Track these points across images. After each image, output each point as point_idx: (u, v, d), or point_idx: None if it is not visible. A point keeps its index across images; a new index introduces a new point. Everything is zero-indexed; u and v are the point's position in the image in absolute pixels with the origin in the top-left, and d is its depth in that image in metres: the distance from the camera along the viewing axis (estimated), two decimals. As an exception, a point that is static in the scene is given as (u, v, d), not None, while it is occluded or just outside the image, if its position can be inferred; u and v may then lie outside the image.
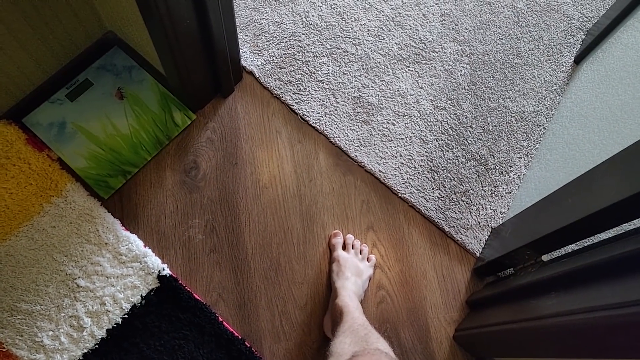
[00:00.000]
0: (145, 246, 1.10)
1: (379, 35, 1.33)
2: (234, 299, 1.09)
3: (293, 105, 1.24)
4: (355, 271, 1.07)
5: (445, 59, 1.32)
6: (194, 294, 1.07)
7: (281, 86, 1.25)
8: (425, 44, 1.33)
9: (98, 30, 1.20)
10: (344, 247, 1.13)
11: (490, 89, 1.30)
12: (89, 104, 1.19)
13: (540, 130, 1.27)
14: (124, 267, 1.08)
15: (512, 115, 1.28)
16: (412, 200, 1.18)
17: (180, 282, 1.08)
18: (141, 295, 1.06)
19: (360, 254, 1.12)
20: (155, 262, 1.08)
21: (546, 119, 1.28)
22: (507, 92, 1.30)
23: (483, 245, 1.16)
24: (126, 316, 1.04)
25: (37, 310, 1.03)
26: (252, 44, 1.29)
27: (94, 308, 1.04)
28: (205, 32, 1.00)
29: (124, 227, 1.11)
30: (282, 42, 1.30)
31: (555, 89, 1.31)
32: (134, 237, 1.10)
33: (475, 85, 1.30)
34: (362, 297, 1.08)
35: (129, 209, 1.14)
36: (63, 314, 1.03)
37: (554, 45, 1.37)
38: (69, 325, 1.03)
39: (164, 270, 1.08)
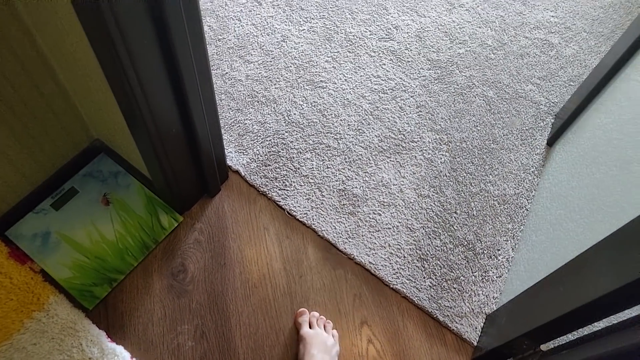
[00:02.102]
0: (132, 358, 1.08)
1: (359, 129, 1.43)
2: (227, 410, 1.06)
3: (280, 201, 1.29)
4: (323, 348, 1.10)
5: (425, 148, 1.41)
6: (185, 408, 1.05)
7: (267, 183, 1.31)
8: (404, 134, 1.43)
9: (85, 140, 1.26)
10: (310, 326, 1.17)
11: (470, 174, 1.38)
12: (74, 212, 1.23)
13: (523, 212, 1.34)
14: (109, 383, 1.05)
15: (494, 198, 1.35)
16: (405, 290, 1.20)
17: (169, 395, 1.05)
18: (128, 413, 1.03)
19: (325, 329, 1.16)
20: (142, 375, 1.06)
21: (527, 200, 1.35)
22: (487, 176, 1.38)
23: (479, 334, 1.17)
24: None
25: None
26: (237, 144, 1.37)
27: None
28: (191, 137, 1.09)
29: (109, 339, 1.10)
30: (266, 141, 1.38)
31: (532, 171, 1.40)
32: (120, 349, 1.09)
33: (456, 171, 1.38)
34: None
35: (114, 318, 1.13)
36: None
37: (526, 130, 1.48)
38: None
39: (152, 383, 1.06)
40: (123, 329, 1.13)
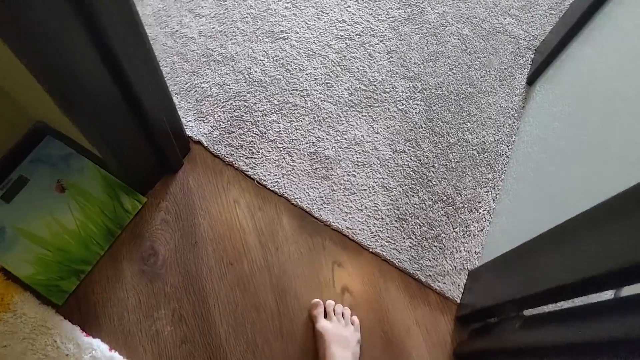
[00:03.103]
0: (111, 349, 1.09)
1: (326, 83, 1.36)
2: (214, 390, 1.08)
3: (248, 171, 1.26)
4: (343, 343, 1.10)
5: (398, 98, 1.36)
6: (170, 393, 1.06)
7: (232, 152, 1.26)
8: (375, 85, 1.37)
9: (25, 122, 1.19)
10: (326, 315, 1.15)
11: (447, 123, 1.34)
12: (28, 203, 1.18)
13: (504, 159, 1.32)
14: (90, 377, 1.06)
15: (473, 147, 1.32)
16: (384, 253, 1.21)
17: (153, 382, 1.07)
18: (114, 405, 1.04)
19: (343, 318, 1.15)
20: (123, 366, 1.07)
21: (507, 147, 1.34)
22: (465, 124, 1.35)
23: (462, 291, 1.19)
24: None
25: None
26: (195, 111, 1.30)
27: None
28: (135, 109, 1.01)
29: (85, 333, 1.10)
30: (227, 105, 1.31)
31: (512, 114, 1.37)
32: (97, 342, 1.09)
33: (432, 121, 1.34)
34: None
35: (87, 311, 1.13)
36: None
37: (505, 69, 1.43)
38: None
39: (134, 373, 1.06)
40: (98, 321, 1.13)
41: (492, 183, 1.31)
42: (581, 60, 1.26)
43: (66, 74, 0.79)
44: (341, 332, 1.12)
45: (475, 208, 1.29)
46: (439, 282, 1.21)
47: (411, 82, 1.41)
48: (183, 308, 1.16)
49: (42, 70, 0.78)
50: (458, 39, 1.48)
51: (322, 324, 1.14)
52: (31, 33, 0.69)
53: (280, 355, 1.14)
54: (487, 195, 1.30)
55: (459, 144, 1.35)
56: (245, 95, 1.35)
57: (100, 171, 1.24)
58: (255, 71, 1.38)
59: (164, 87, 1.06)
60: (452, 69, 1.44)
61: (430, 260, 1.23)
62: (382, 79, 1.41)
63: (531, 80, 1.43)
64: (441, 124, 1.37)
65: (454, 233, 1.26)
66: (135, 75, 0.93)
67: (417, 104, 1.38)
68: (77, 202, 1.21)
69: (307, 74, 1.39)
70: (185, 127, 1.30)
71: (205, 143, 1.29)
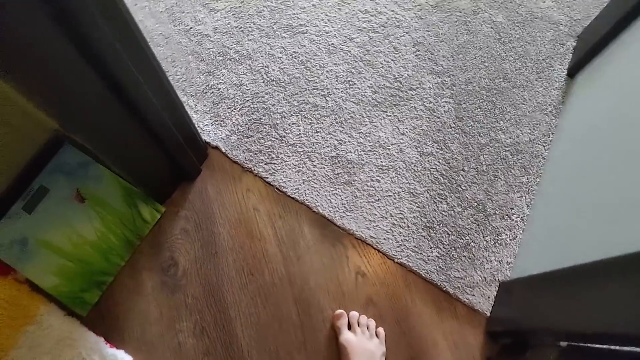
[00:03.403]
0: (133, 362, 1.10)
1: (348, 80, 1.30)
2: (236, 404, 1.09)
3: (267, 177, 1.22)
4: (367, 357, 1.08)
5: (425, 96, 1.29)
6: (193, 406, 1.07)
7: (251, 157, 1.23)
8: (401, 82, 1.30)
9: (42, 132, 1.18)
10: (350, 327, 1.13)
11: (478, 122, 1.27)
12: (48, 213, 1.18)
13: (539, 161, 1.24)
14: (115, 390, 1.08)
15: (506, 149, 1.25)
16: (410, 264, 1.17)
17: (176, 395, 1.08)
18: (138, 418, 1.06)
19: (368, 330, 1.13)
20: (146, 379, 1.08)
21: (544, 147, 1.25)
22: (497, 122, 1.27)
23: (492, 303, 1.15)
24: None
25: None
26: (212, 114, 1.26)
27: None
28: (136, 117, 0.94)
29: (109, 344, 1.11)
30: (245, 107, 1.27)
31: (550, 111, 1.28)
32: (121, 354, 1.11)
33: (462, 120, 1.27)
34: None
35: (111, 322, 1.14)
36: None
37: (543, 60, 1.33)
38: None
39: (157, 386, 1.08)
40: (121, 333, 1.14)
41: (526, 187, 1.24)
42: (634, 50, 1.15)
43: (50, 83, 0.74)
44: (366, 345, 1.10)
45: (507, 215, 1.22)
46: (467, 294, 1.17)
47: (439, 77, 1.33)
48: (204, 320, 1.16)
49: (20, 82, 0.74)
50: (491, 28, 1.38)
51: (346, 336, 1.12)
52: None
53: (302, 369, 1.13)
54: (520, 200, 1.23)
55: (491, 145, 1.28)
56: (263, 96, 1.30)
57: (118, 180, 1.23)
58: (274, 69, 1.33)
59: (167, 92, 1.00)
60: (484, 62, 1.35)
61: (458, 271, 1.18)
62: (408, 74, 1.33)
63: (572, 72, 1.32)
64: (472, 123, 1.29)
65: (484, 242, 1.20)
66: (128, 78, 0.84)
67: (445, 102, 1.31)
68: (96, 213, 1.20)
69: (327, 71, 1.33)
70: (202, 132, 1.27)
71: (223, 148, 1.26)
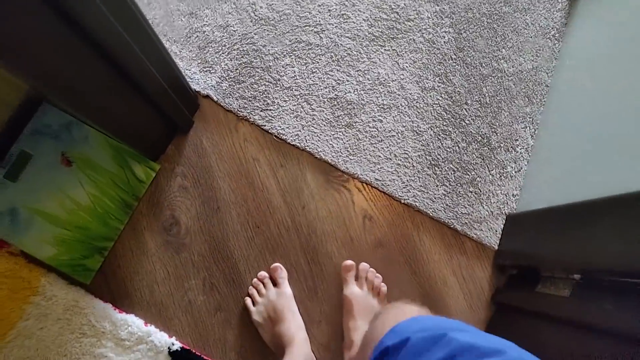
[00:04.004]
0: (146, 324, 1.06)
1: (342, 14, 1.18)
2: (253, 354, 1.07)
3: (264, 125, 1.13)
4: (367, 313, 1.04)
5: (424, 27, 1.18)
6: (212, 361, 1.05)
7: (246, 105, 1.13)
8: (397, 12, 1.18)
9: (16, 91, 1.04)
10: (357, 279, 1.09)
11: (480, 52, 1.18)
12: (35, 180, 1.08)
13: (543, 89, 1.17)
14: (130, 353, 1.04)
15: (509, 78, 1.17)
16: (417, 204, 1.12)
17: (194, 351, 1.05)
18: (157, 378, 1.04)
19: (373, 286, 1.08)
20: (162, 339, 1.05)
21: (547, 74, 1.18)
22: (499, 51, 1.18)
23: (500, 236, 1.12)
24: (148, 403, 1.03)
25: (55, 419, 1.01)
26: (199, 61, 1.14)
27: (113, 403, 1.02)
28: (120, 72, 0.82)
29: (117, 309, 1.06)
30: (234, 50, 1.15)
31: (552, 35, 1.20)
32: (131, 318, 1.06)
33: (463, 51, 1.18)
34: None
35: (117, 287, 1.08)
36: (83, 417, 1.01)
37: (544, -21, 1.22)
38: None
39: (173, 345, 1.05)
40: (129, 296, 1.09)
41: (530, 117, 1.18)
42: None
43: (16, 39, 0.61)
44: (369, 302, 1.05)
45: (512, 147, 1.16)
46: (475, 229, 1.13)
47: (437, 5, 1.21)
48: (213, 276, 1.11)
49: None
50: (490, -54, 1.25)
51: (352, 289, 1.07)
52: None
53: (316, 315, 1.10)
54: (524, 131, 1.17)
55: (494, 75, 1.19)
56: (252, 37, 1.17)
57: (106, 139, 1.11)
58: (261, 7, 1.18)
59: (148, 36, 0.85)
60: None
61: (465, 207, 1.14)
62: (404, 4, 1.20)
63: None
64: (473, 53, 1.19)
65: (490, 176, 1.15)
66: (102, 24, 0.70)
67: (445, 32, 1.20)
68: (86, 176, 1.10)
69: (319, 5, 1.19)
70: (190, 80, 1.15)
71: (214, 97, 1.15)
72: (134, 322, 1.06)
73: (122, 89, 0.88)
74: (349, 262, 1.09)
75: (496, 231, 1.13)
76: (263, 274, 1.09)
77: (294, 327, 1.01)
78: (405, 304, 0.65)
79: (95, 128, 1.10)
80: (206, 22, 1.16)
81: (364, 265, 1.09)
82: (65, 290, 1.07)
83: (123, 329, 1.06)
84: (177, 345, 1.06)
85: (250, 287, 1.09)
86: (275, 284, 1.09)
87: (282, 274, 1.08)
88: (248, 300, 1.07)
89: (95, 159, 1.10)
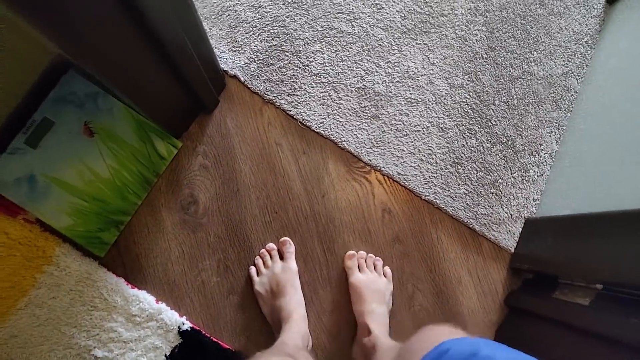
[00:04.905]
0: (157, 301, 1.00)
1: (376, 4, 1.11)
2: (264, 340, 1.01)
3: (290, 110, 1.07)
4: (378, 297, 0.98)
5: (457, 23, 1.11)
6: (221, 343, 1.00)
7: (272, 88, 1.06)
8: (432, 6, 1.11)
9: (44, 57, 0.98)
10: (360, 268, 1.04)
11: (511, 52, 1.11)
12: (55, 148, 1.01)
13: (572, 95, 1.11)
14: (140, 329, 0.99)
15: (539, 82, 1.11)
16: (437, 201, 1.06)
17: (203, 333, 1.00)
18: (165, 355, 0.99)
19: (375, 269, 1.03)
20: (172, 317, 0.99)
21: (577, 80, 1.12)
22: (531, 53, 1.12)
23: (517, 240, 1.07)
24: (155, 381, 0.98)
25: (61, 390, 0.96)
26: (229, 40, 1.07)
27: (120, 378, 0.97)
28: (153, 39, 0.75)
29: (130, 285, 1.00)
30: (265, 32, 1.08)
31: (585, 41, 1.13)
32: (143, 294, 1.00)
33: (494, 50, 1.11)
34: (389, 313, 1.01)
35: (130, 262, 1.02)
36: (89, 390, 0.97)
37: (582, -16, 1.15)
38: (98, 399, 0.97)
39: (183, 324, 0.99)
40: (142, 273, 1.03)
41: (556, 122, 1.11)
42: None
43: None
44: (375, 285, 1.00)
45: (536, 151, 1.10)
46: (493, 230, 1.08)
47: (472, 2, 1.13)
48: (228, 258, 1.05)
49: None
50: (529, -54, 1.18)
51: (358, 276, 1.01)
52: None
53: (327, 305, 1.04)
54: (550, 136, 1.11)
55: (523, 77, 1.12)
56: (284, 20, 1.10)
57: (131, 113, 1.05)
58: None
59: (188, 8, 0.79)
60: None
61: (485, 208, 1.08)
62: (439, -2, 1.15)
63: None
64: (504, 53, 1.13)
65: (512, 178, 1.10)
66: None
67: (478, 30, 1.13)
68: (108, 148, 1.04)
69: None
70: (219, 59, 1.08)
71: (242, 78, 1.08)
72: (145, 299, 1.01)
73: (155, 62, 0.80)
74: (351, 252, 1.04)
75: (514, 234, 1.07)
76: (271, 245, 1.03)
77: (294, 302, 0.95)
78: (441, 325, 0.61)
79: (121, 100, 1.04)
80: (238, 1, 1.09)
81: (362, 252, 1.04)
82: (79, 262, 1.01)
83: (134, 305, 1.00)
84: (187, 325, 1.00)
85: (257, 257, 1.03)
86: (282, 257, 1.03)
87: (290, 248, 1.02)
88: (252, 269, 1.02)
89: (118, 132, 1.04)
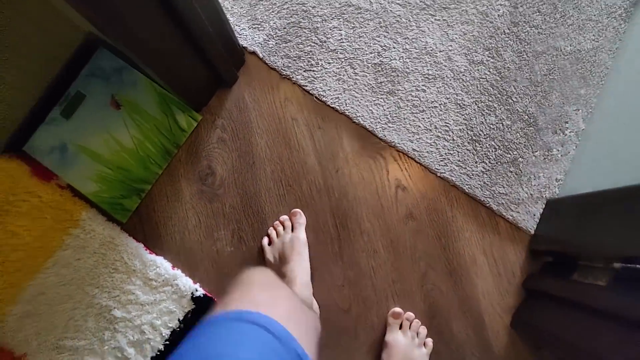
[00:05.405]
0: (173, 267, 1.01)
1: (395, -20, 1.08)
2: (274, 310, 1.00)
3: (306, 85, 1.05)
4: None
5: (479, -2, 1.06)
6: (232, 311, 0.99)
7: (290, 64, 1.05)
8: (452, -18, 1.07)
9: (76, 35, 1.02)
10: (401, 326, 0.98)
11: (536, 27, 1.05)
12: (86, 119, 1.05)
13: (602, 71, 1.03)
14: (156, 293, 1.00)
15: (565, 57, 1.03)
16: (453, 178, 1.01)
17: (215, 300, 1.00)
18: (178, 320, 0.99)
19: (418, 337, 0.96)
20: (187, 284, 1.00)
21: (609, 55, 1.03)
22: (557, 28, 1.04)
23: (537, 221, 1.00)
24: (167, 342, 0.99)
25: (82, 346, 0.99)
26: (249, 17, 1.08)
27: (135, 338, 0.98)
28: (175, 18, 0.77)
29: (148, 250, 1.02)
30: (284, 9, 1.07)
31: (619, 14, 1.04)
32: (160, 260, 1.01)
33: (517, 26, 1.05)
34: None
35: (150, 229, 1.04)
36: (106, 347, 0.98)
37: (616, -44, 1.07)
38: (114, 357, 0.98)
39: (196, 291, 0.99)
40: (160, 240, 1.04)
41: (584, 100, 1.03)
42: None
43: None
44: (411, 353, 0.93)
45: (560, 129, 1.02)
46: (512, 210, 1.01)
47: (496, -24, 1.09)
48: (242, 230, 1.05)
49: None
50: None
51: (396, 335, 0.95)
52: None
53: (339, 279, 1.01)
54: (576, 114, 1.03)
55: (548, 52, 1.05)
56: (303, -2, 1.10)
57: (154, 86, 1.07)
58: None
59: None
60: None
61: (504, 187, 1.02)
62: (461, -27, 1.10)
63: None
64: (528, 28, 1.06)
65: (534, 157, 1.02)
66: None
67: (500, 4, 1.07)
68: (132, 120, 1.07)
69: None
70: (238, 36, 1.08)
71: (260, 54, 1.07)
72: (162, 264, 1.02)
73: (176, 38, 0.81)
74: (398, 309, 0.97)
75: (534, 215, 1.00)
76: (284, 217, 1.01)
77: (298, 269, 0.92)
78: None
79: (145, 74, 1.07)
80: (259, -20, 1.10)
81: (409, 314, 0.97)
82: (103, 226, 1.04)
83: (152, 269, 1.02)
84: (200, 291, 1.01)
85: (270, 228, 1.01)
86: (292, 229, 1.01)
87: (301, 219, 1.00)
88: (265, 240, 1.01)
89: (142, 104, 1.06)
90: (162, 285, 1.00)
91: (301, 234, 0.98)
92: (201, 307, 0.99)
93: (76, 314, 1.00)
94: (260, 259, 1.01)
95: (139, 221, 1.04)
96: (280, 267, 0.95)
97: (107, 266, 1.01)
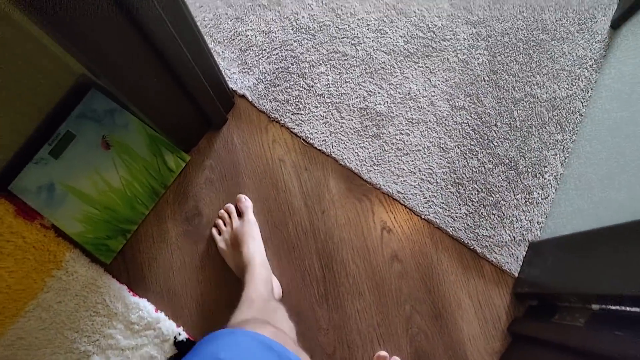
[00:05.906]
0: (157, 310, 0.96)
1: (380, 29, 1.09)
2: (258, 354, 0.96)
3: (294, 128, 1.05)
4: None
5: (459, 47, 1.08)
6: (216, 355, 0.95)
7: (278, 107, 1.05)
8: (434, 32, 1.09)
9: (69, 76, 1.01)
10: None
11: (513, 76, 1.06)
12: (75, 159, 1.02)
13: (576, 118, 1.04)
14: (137, 337, 0.95)
15: (542, 104, 1.05)
16: (437, 221, 1.00)
17: (199, 343, 0.95)
18: (160, 365, 0.95)
19: None
20: (169, 328, 0.95)
21: (582, 103, 1.05)
22: (533, 77, 1.06)
23: (521, 264, 0.98)
24: (148, 389, 0.93)
25: (59, 393, 0.93)
26: (240, 62, 1.08)
27: (115, 384, 0.93)
28: (164, 63, 0.77)
29: (132, 292, 0.98)
30: (273, 55, 1.08)
31: (590, 65, 1.07)
32: (143, 303, 0.97)
33: (496, 74, 1.07)
34: None
35: (134, 270, 1.00)
36: (85, 394, 0.93)
37: (585, 10, 1.10)
38: (93, 405, 0.93)
39: (179, 335, 0.95)
40: (144, 281, 1.00)
41: (561, 145, 1.04)
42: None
43: (80, 28, 0.60)
44: None
45: (540, 173, 1.03)
46: (495, 253, 1.00)
47: (474, 27, 1.10)
48: (228, 271, 1.02)
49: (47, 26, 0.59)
50: (532, -24, 1.15)
51: None
52: None
53: (324, 322, 0.96)
54: (554, 158, 1.04)
55: (526, 99, 1.06)
56: (291, 44, 1.09)
57: (144, 128, 1.05)
58: (303, 17, 1.10)
59: (196, 38, 0.80)
60: (522, 12, 1.10)
61: (487, 230, 1.01)
62: (442, 24, 1.11)
63: (617, 24, 1.06)
64: (506, 76, 1.08)
65: (515, 200, 1.02)
66: (157, 24, 0.67)
67: (480, 54, 1.09)
68: (122, 160, 1.05)
69: (358, 20, 1.10)
70: (229, 79, 1.08)
71: (250, 97, 1.07)
72: (145, 307, 0.97)
73: (167, 82, 0.81)
74: (383, 352, 0.93)
75: (517, 258, 0.99)
76: (229, 205, 1.00)
77: (252, 250, 0.91)
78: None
79: (136, 116, 1.05)
80: (250, 27, 1.10)
81: (395, 358, 0.92)
82: (86, 268, 0.99)
83: (134, 313, 0.97)
84: (183, 335, 0.96)
85: (217, 218, 0.99)
86: (240, 215, 0.99)
87: (247, 203, 0.99)
88: (214, 230, 0.99)
89: (131, 145, 1.04)
90: (144, 329, 0.95)
91: (250, 216, 0.98)
92: (184, 352, 0.94)
93: (54, 359, 0.94)
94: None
95: (123, 262, 1.00)
96: (234, 253, 0.93)
97: (88, 309, 0.97)
